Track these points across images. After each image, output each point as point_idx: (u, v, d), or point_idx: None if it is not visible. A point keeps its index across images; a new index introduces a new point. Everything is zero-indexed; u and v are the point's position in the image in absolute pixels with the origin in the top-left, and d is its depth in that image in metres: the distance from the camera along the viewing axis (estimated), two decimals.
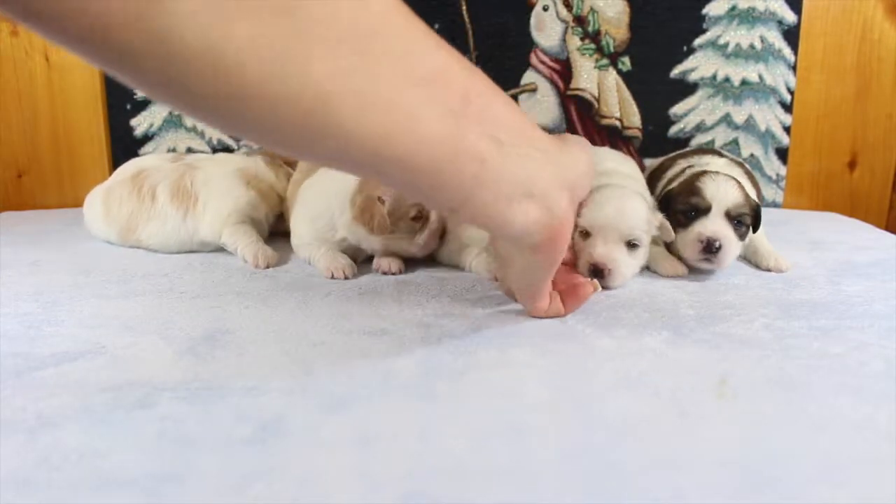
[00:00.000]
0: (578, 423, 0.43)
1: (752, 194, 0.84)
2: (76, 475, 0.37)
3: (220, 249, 0.90)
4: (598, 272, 0.71)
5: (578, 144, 0.54)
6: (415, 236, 0.78)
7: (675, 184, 0.86)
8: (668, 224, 0.78)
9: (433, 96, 0.43)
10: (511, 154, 0.47)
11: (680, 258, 0.80)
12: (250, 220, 0.91)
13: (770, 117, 1.20)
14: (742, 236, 0.79)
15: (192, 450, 0.39)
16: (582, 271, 0.73)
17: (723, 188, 0.79)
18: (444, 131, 0.43)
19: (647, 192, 0.86)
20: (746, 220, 0.79)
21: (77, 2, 0.32)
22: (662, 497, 0.35)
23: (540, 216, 0.50)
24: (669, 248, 0.82)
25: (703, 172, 0.83)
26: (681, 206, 0.80)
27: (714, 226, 0.77)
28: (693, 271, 0.79)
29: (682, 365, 0.52)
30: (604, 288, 0.70)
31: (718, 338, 0.57)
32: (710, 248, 0.76)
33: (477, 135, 0.45)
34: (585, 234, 0.74)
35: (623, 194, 0.77)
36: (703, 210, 0.78)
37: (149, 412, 0.44)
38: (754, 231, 0.82)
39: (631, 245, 0.74)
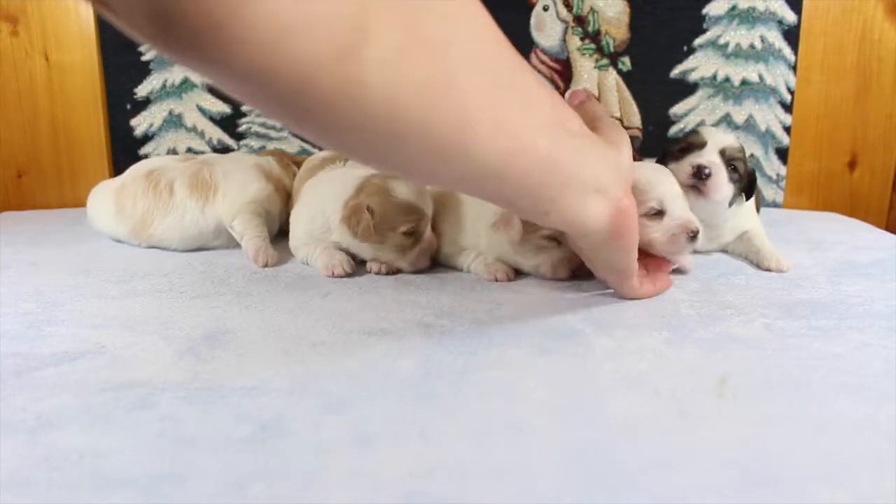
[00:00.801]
0: (578, 423, 0.43)
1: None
2: (76, 475, 0.37)
3: (223, 246, 0.90)
4: (694, 237, 0.71)
5: (618, 133, 0.58)
6: (405, 251, 0.78)
7: None
8: None
9: (535, 113, 0.47)
10: (580, 154, 0.51)
11: None
12: (265, 214, 0.91)
13: (770, 117, 1.20)
14: (735, 182, 0.80)
15: (192, 450, 0.39)
16: (676, 247, 0.71)
17: (719, 132, 0.83)
18: (545, 143, 0.48)
19: None
20: (740, 166, 0.81)
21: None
22: (662, 497, 0.35)
23: (605, 209, 0.55)
24: None
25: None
26: (678, 146, 0.83)
27: (707, 156, 0.80)
28: (693, 270, 0.79)
29: (682, 365, 0.52)
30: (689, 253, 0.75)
31: (718, 338, 0.57)
32: (700, 174, 0.78)
33: (563, 141, 0.49)
34: (657, 214, 0.72)
35: (653, 166, 0.79)
36: (698, 146, 0.81)
37: (149, 412, 0.44)
38: (747, 198, 0.83)
39: None
